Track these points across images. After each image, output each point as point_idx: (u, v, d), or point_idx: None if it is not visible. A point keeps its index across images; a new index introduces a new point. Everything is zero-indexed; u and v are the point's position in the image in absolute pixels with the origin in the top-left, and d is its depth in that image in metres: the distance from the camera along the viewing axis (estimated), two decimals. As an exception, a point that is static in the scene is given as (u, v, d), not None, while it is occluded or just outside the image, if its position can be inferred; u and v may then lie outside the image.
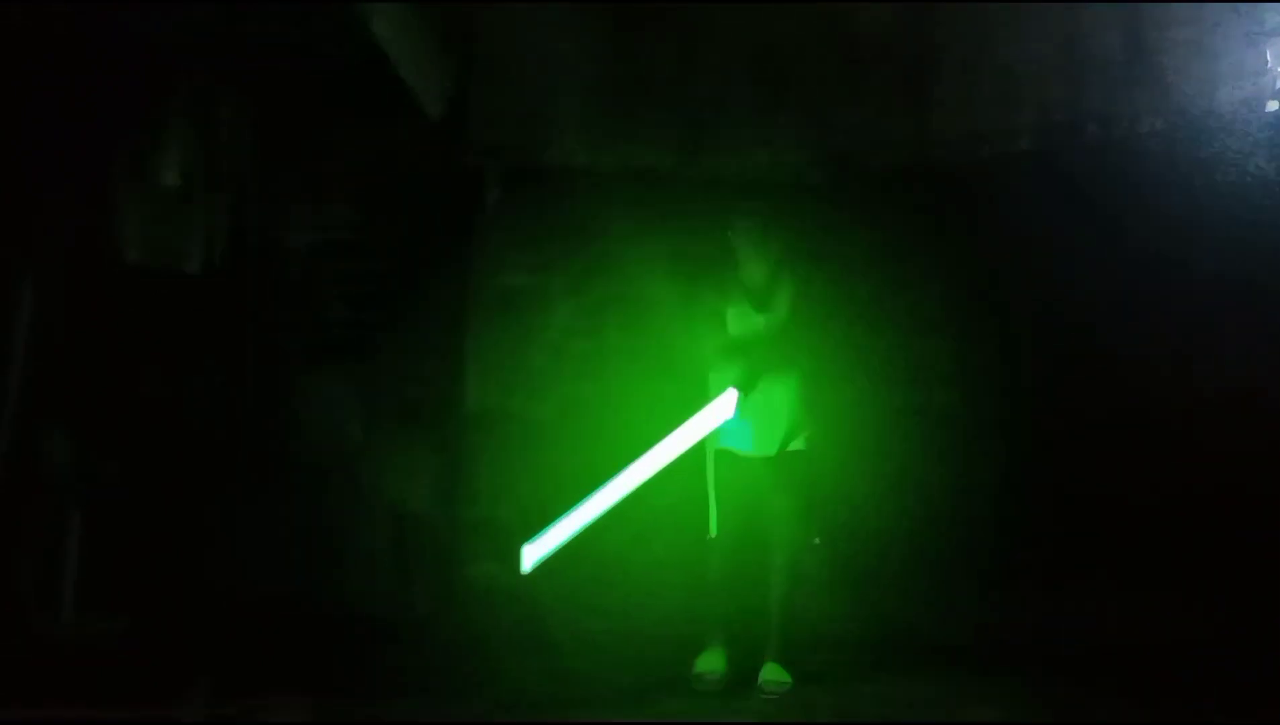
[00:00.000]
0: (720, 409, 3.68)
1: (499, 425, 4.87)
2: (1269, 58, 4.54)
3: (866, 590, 4.50)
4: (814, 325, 3.79)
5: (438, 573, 4.74)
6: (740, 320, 3.78)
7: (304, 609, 4.39)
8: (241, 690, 3.52)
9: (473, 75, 5.06)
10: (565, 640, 4.26)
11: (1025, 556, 4.43)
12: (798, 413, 3.75)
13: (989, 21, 4.85)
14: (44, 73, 3.96)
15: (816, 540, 4.02)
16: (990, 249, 4.67)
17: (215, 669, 3.65)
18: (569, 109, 4.96)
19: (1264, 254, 4.32)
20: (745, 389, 3.65)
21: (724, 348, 3.77)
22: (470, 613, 4.57)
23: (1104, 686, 3.68)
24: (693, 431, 3.66)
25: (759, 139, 4.75)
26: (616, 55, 4.93)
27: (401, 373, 4.94)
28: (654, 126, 4.85)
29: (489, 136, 5.02)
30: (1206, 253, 4.38)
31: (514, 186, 5.02)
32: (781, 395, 3.72)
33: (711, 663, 3.69)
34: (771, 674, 3.66)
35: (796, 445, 3.75)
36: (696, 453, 3.76)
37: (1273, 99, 4.49)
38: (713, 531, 3.79)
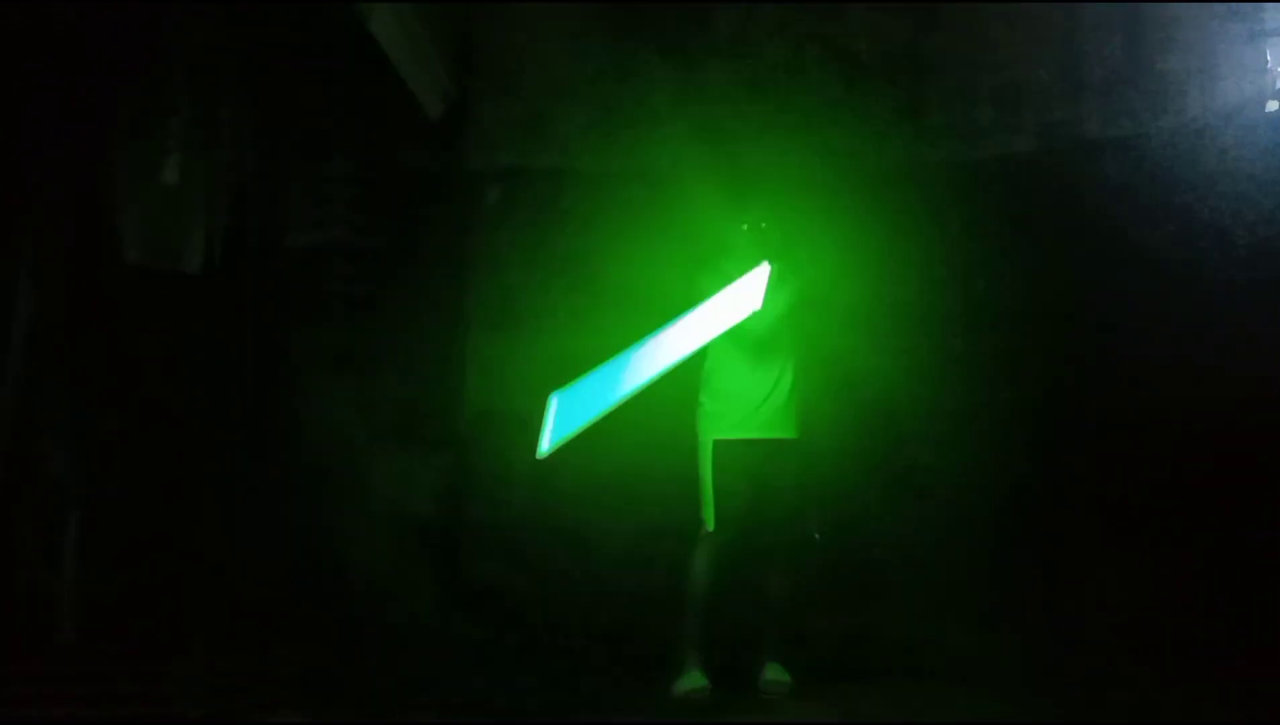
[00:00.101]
0: (749, 290, 3.57)
1: (499, 426, 4.87)
2: (1269, 58, 4.55)
3: (866, 589, 4.50)
4: (814, 315, 3.77)
5: (438, 574, 4.73)
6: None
7: (304, 611, 4.39)
8: (241, 692, 3.52)
9: (472, 76, 5.07)
10: (565, 642, 4.27)
11: (1027, 557, 4.42)
12: (795, 401, 3.74)
13: (989, 22, 4.86)
14: (44, 73, 3.96)
15: (816, 535, 4.02)
16: (991, 249, 4.67)
17: (215, 670, 3.65)
18: (568, 110, 4.97)
19: (1264, 254, 4.33)
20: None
21: (722, 335, 3.69)
22: (471, 613, 4.56)
23: (1104, 687, 3.67)
24: (719, 313, 3.54)
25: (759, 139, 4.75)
26: (616, 56, 4.94)
27: (401, 373, 4.94)
28: (653, 127, 4.85)
29: (488, 137, 5.02)
30: (1206, 252, 4.38)
31: (513, 187, 5.02)
32: (780, 382, 3.71)
33: (694, 681, 3.60)
34: (773, 674, 3.65)
35: (793, 433, 3.73)
36: (692, 448, 3.74)
37: (1273, 99, 4.49)
38: (709, 526, 3.67)
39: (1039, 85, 4.79)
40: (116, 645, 4.00)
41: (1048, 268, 4.64)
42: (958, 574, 4.45)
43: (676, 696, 3.57)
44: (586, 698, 3.66)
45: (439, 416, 4.93)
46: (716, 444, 3.71)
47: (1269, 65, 4.53)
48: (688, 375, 3.83)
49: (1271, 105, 4.49)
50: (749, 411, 3.67)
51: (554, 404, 3.40)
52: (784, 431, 3.71)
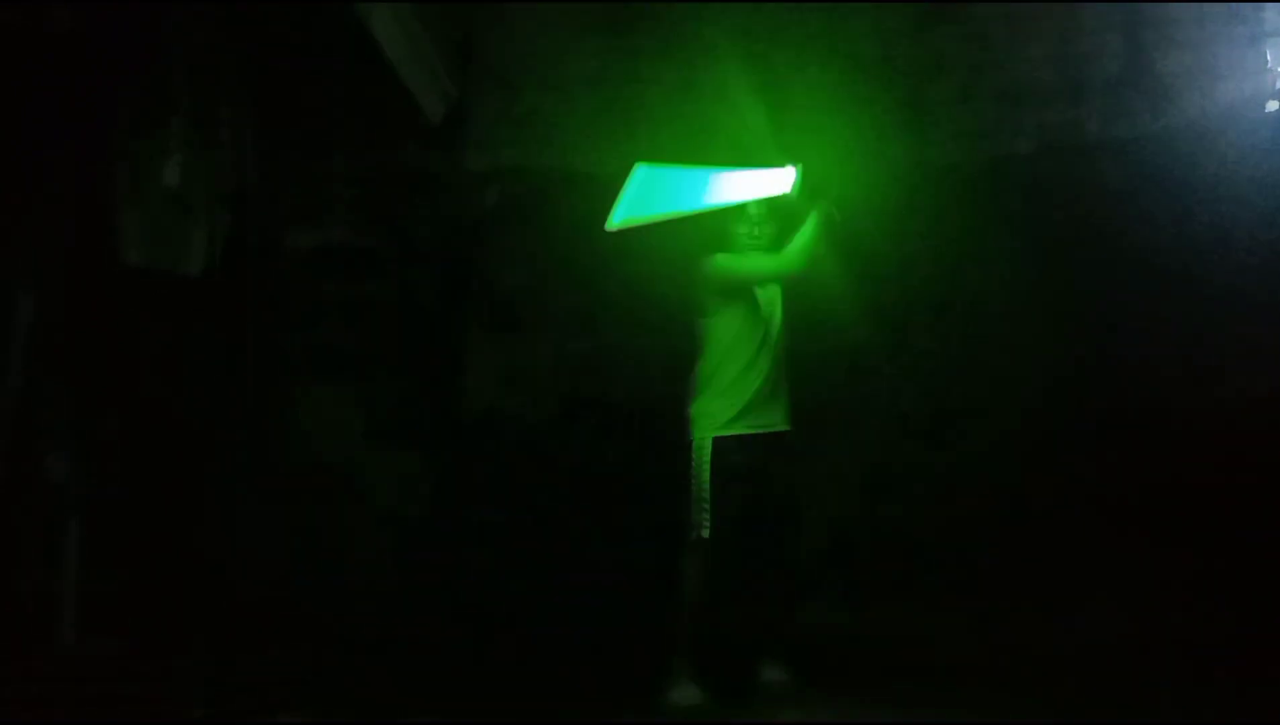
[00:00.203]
0: (778, 179, 3.57)
1: (499, 426, 4.87)
2: (1269, 58, 4.55)
3: (864, 588, 4.50)
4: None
5: (437, 575, 4.73)
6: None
7: (304, 614, 4.39)
8: (241, 692, 3.52)
9: (472, 76, 5.07)
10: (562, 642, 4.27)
11: (1027, 557, 4.42)
12: (786, 388, 3.71)
13: (987, 23, 4.87)
14: (44, 73, 3.95)
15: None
16: (990, 249, 4.67)
17: (215, 670, 3.65)
18: (568, 110, 4.97)
19: (1264, 253, 4.33)
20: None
21: (726, 291, 3.67)
22: (471, 614, 4.56)
23: (1105, 687, 3.67)
24: (747, 185, 3.57)
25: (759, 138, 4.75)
26: (615, 56, 4.94)
27: (401, 374, 4.94)
28: (653, 127, 4.85)
29: (488, 137, 5.02)
30: (1206, 253, 4.39)
31: (513, 187, 5.02)
32: (774, 369, 3.69)
33: (687, 695, 3.50)
34: (772, 673, 3.64)
35: (786, 422, 3.70)
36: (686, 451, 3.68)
37: (1273, 99, 4.50)
38: (704, 532, 3.54)
39: (1039, 86, 4.79)
40: (116, 645, 4.00)
41: (1048, 268, 4.64)
42: (958, 573, 4.45)
43: (669, 706, 3.50)
44: (585, 699, 3.66)
45: (439, 417, 4.92)
46: (715, 443, 3.61)
47: (1269, 66, 4.54)
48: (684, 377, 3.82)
49: (1271, 105, 4.50)
50: (746, 401, 3.63)
51: (637, 175, 3.47)
52: (779, 420, 3.69)
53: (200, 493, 4.54)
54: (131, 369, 4.41)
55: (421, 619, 4.50)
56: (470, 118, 5.08)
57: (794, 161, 3.62)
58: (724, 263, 3.68)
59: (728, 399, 3.62)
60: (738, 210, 3.75)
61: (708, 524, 3.54)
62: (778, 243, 3.71)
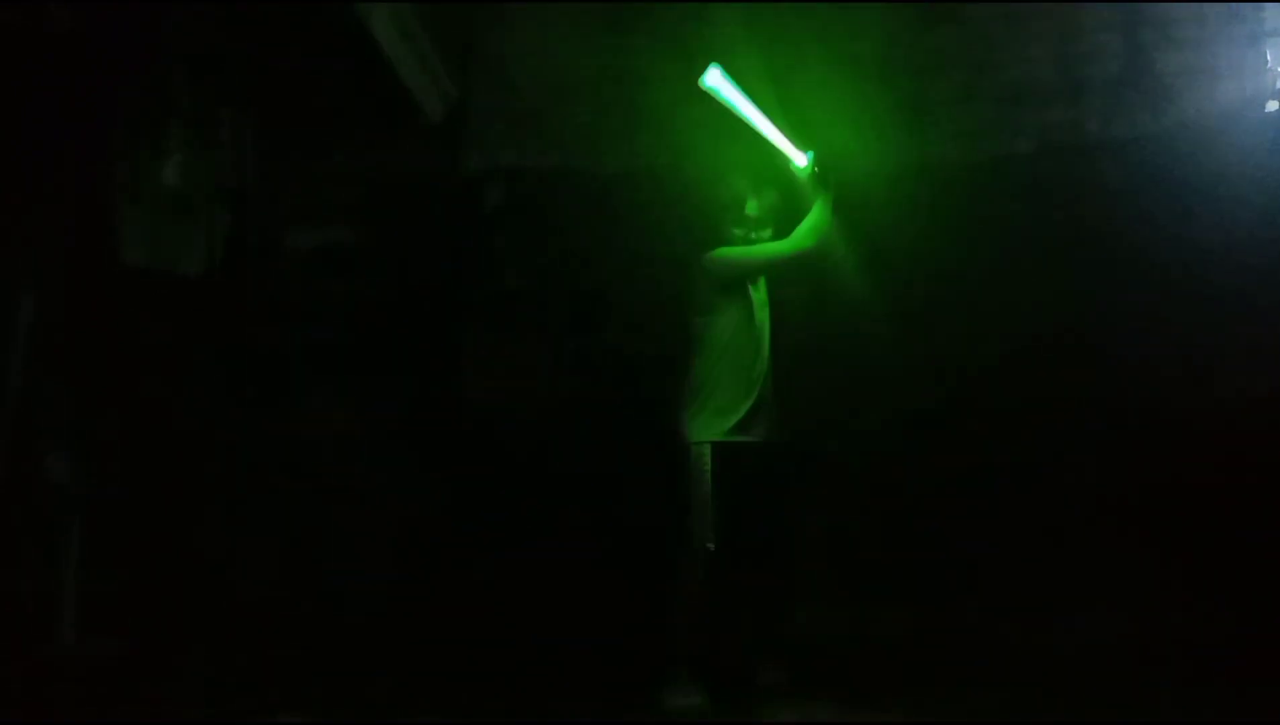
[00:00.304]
0: (797, 155, 3.77)
1: (499, 427, 4.87)
2: (1269, 58, 4.55)
3: (864, 589, 4.50)
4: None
5: (437, 575, 4.73)
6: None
7: (304, 611, 4.39)
8: (241, 692, 3.52)
9: (472, 76, 5.07)
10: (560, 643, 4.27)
11: (1027, 556, 4.42)
12: (776, 400, 3.71)
13: (988, 23, 4.86)
14: (44, 73, 3.96)
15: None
16: (990, 249, 4.67)
17: (215, 670, 3.65)
18: (568, 110, 4.97)
19: (1264, 253, 4.33)
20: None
21: (729, 284, 3.69)
22: (471, 613, 4.56)
23: (1105, 687, 3.67)
24: (777, 138, 3.75)
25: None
26: (615, 56, 4.94)
27: (401, 374, 4.94)
28: (653, 127, 4.85)
29: (488, 138, 5.02)
30: (1206, 253, 4.39)
31: (513, 187, 5.02)
32: (768, 375, 3.68)
33: (686, 696, 3.50)
34: (770, 676, 3.64)
35: (783, 435, 3.69)
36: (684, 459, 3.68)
37: (1273, 99, 4.49)
38: (711, 543, 3.50)
39: (1039, 86, 4.79)
40: (116, 645, 4.00)
41: (1047, 267, 4.63)
42: (958, 574, 4.45)
43: (668, 710, 3.50)
44: (585, 699, 3.66)
45: (438, 417, 4.92)
46: (717, 450, 3.59)
47: (1269, 65, 4.53)
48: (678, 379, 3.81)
49: (1271, 105, 4.49)
50: (747, 407, 3.62)
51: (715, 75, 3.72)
52: (777, 429, 3.68)
53: (200, 493, 4.54)
54: (131, 369, 4.41)
55: (421, 619, 4.50)
56: (470, 118, 5.07)
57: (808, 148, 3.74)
58: (731, 253, 3.68)
59: (727, 405, 3.61)
60: (735, 211, 3.76)
61: (713, 536, 3.50)
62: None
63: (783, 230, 3.77)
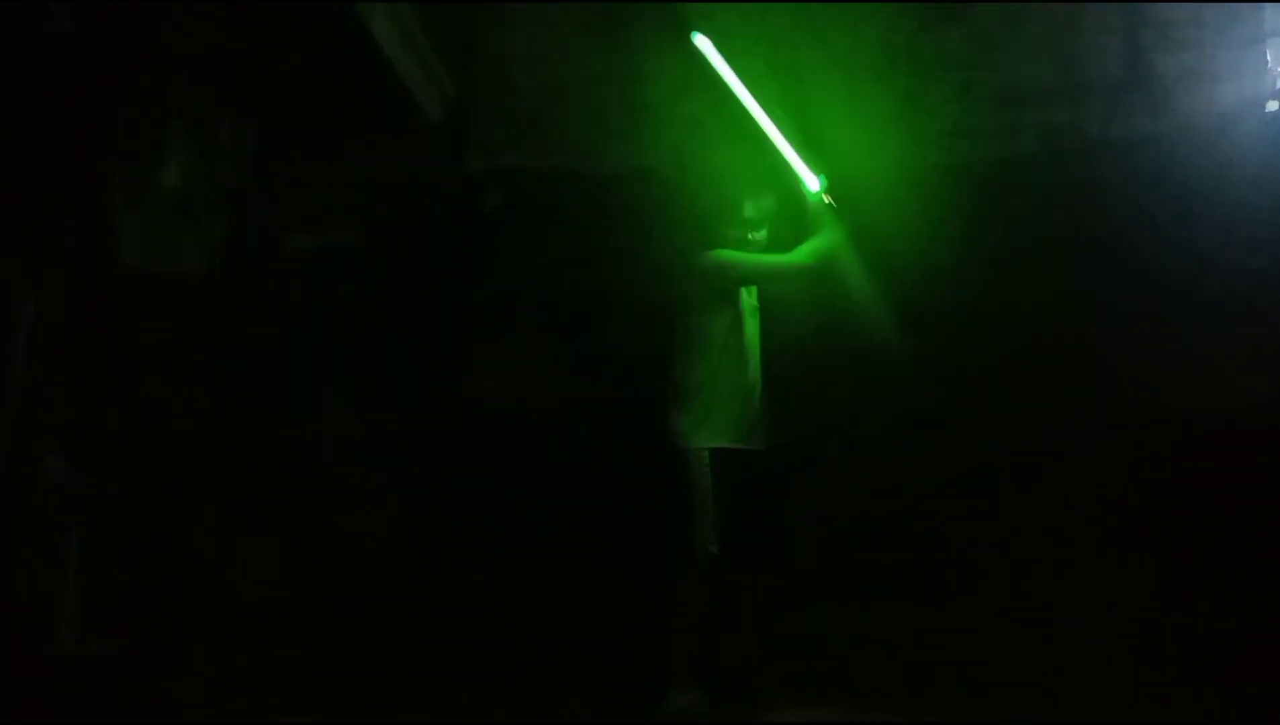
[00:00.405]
0: (808, 174, 3.77)
1: (498, 427, 4.87)
2: (1269, 58, 4.55)
3: (864, 589, 4.49)
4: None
5: (437, 575, 4.73)
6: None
7: (304, 611, 4.39)
8: (241, 692, 3.52)
9: (471, 78, 5.07)
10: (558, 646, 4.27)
11: (1028, 557, 4.42)
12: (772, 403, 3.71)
13: (988, 23, 4.87)
14: (44, 73, 3.96)
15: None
16: (990, 249, 4.67)
17: (215, 670, 3.65)
18: (568, 111, 4.97)
19: (1265, 254, 4.33)
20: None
21: (723, 286, 3.68)
22: (468, 616, 4.56)
23: (1105, 687, 3.67)
24: (789, 151, 3.74)
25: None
26: (615, 56, 4.94)
27: (401, 375, 4.94)
28: (653, 127, 4.85)
29: (488, 139, 5.03)
30: (1206, 253, 4.39)
31: (513, 188, 5.03)
32: (762, 383, 3.67)
33: (688, 698, 3.49)
34: (767, 676, 3.64)
35: (781, 438, 3.69)
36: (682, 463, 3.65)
37: (1273, 99, 4.50)
38: (713, 547, 3.48)
39: (1039, 87, 4.79)
40: (116, 646, 4.00)
41: (1047, 268, 4.64)
42: (958, 573, 4.45)
43: (669, 711, 3.50)
44: (585, 699, 3.66)
45: (438, 418, 4.92)
46: (718, 456, 3.56)
47: (1269, 66, 4.54)
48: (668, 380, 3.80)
49: (1271, 105, 4.50)
50: (745, 413, 3.61)
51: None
52: (771, 434, 3.67)
53: (200, 493, 4.54)
54: (131, 369, 4.41)
55: (421, 619, 4.50)
56: (470, 118, 5.08)
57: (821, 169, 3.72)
58: (726, 256, 3.66)
59: (723, 410, 3.59)
60: (732, 213, 3.75)
61: (716, 542, 3.48)
62: (769, 249, 3.72)
63: (778, 243, 3.76)
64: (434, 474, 4.81)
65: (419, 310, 4.97)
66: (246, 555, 4.52)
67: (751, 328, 3.69)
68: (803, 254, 3.67)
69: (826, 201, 3.75)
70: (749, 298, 3.73)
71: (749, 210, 3.74)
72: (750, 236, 3.73)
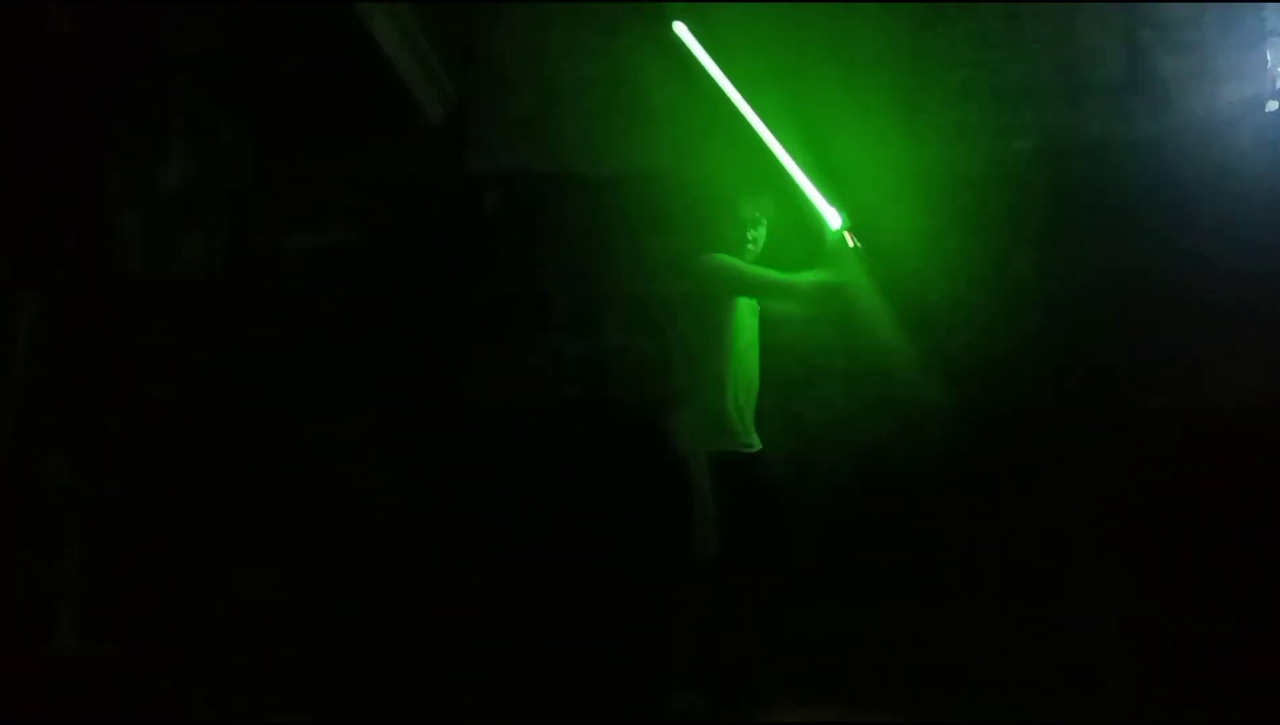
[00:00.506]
0: (829, 211, 3.68)
1: (499, 428, 4.87)
2: (1269, 59, 4.55)
3: (865, 589, 4.49)
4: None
5: (437, 576, 4.73)
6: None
7: (304, 612, 4.39)
8: (241, 692, 3.52)
9: (472, 79, 5.07)
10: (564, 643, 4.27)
11: (1027, 557, 4.42)
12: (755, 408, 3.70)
13: (988, 24, 4.87)
14: (44, 73, 3.96)
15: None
16: (990, 250, 4.67)
17: (215, 670, 3.65)
18: (568, 111, 4.97)
19: (1265, 254, 4.33)
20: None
21: (718, 291, 3.62)
22: (468, 617, 4.56)
23: (1105, 687, 3.67)
24: (808, 185, 3.68)
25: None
26: (614, 56, 4.94)
27: (401, 376, 4.94)
28: (653, 127, 4.85)
29: (488, 140, 5.03)
30: (1206, 252, 4.39)
31: (513, 189, 5.03)
32: (757, 386, 3.67)
33: (687, 697, 3.46)
34: (769, 678, 3.63)
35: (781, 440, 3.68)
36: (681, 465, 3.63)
37: (1273, 99, 4.50)
38: (713, 549, 3.43)
39: (1039, 87, 4.79)
40: (117, 646, 4.00)
41: (1047, 269, 4.64)
42: (958, 573, 4.45)
43: (669, 711, 3.47)
44: (585, 699, 3.66)
45: (438, 418, 4.92)
46: (717, 459, 3.52)
47: (1270, 66, 4.54)
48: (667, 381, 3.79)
49: (1272, 105, 4.50)
50: (744, 415, 3.61)
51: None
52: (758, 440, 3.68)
53: (200, 493, 4.54)
54: (131, 370, 4.41)
55: (421, 619, 4.50)
56: (470, 119, 5.08)
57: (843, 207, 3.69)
58: (727, 264, 3.63)
59: (722, 412, 3.55)
60: (731, 215, 3.73)
61: (715, 543, 3.46)
62: (766, 254, 3.71)
63: (777, 246, 3.75)
64: (434, 474, 4.81)
65: (419, 310, 4.97)
66: (246, 556, 4.51)
67: (751, 329, 3.67)
68: (808, 282, 3.60)
69: (849, 241, 3.67)
70: (749, 299, 3.71)
71: (747, 210, 3.72)
72: (750, 236, 3.71)
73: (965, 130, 4.83)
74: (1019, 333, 4.65)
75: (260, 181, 5.01)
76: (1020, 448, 4.55)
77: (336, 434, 4.85)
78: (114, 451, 4.28)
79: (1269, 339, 4.35)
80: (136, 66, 4.19)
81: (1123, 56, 4.75)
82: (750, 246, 3.69)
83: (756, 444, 3.62)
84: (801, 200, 3.71)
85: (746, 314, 3.66)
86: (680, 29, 3.73)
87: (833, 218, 3.69)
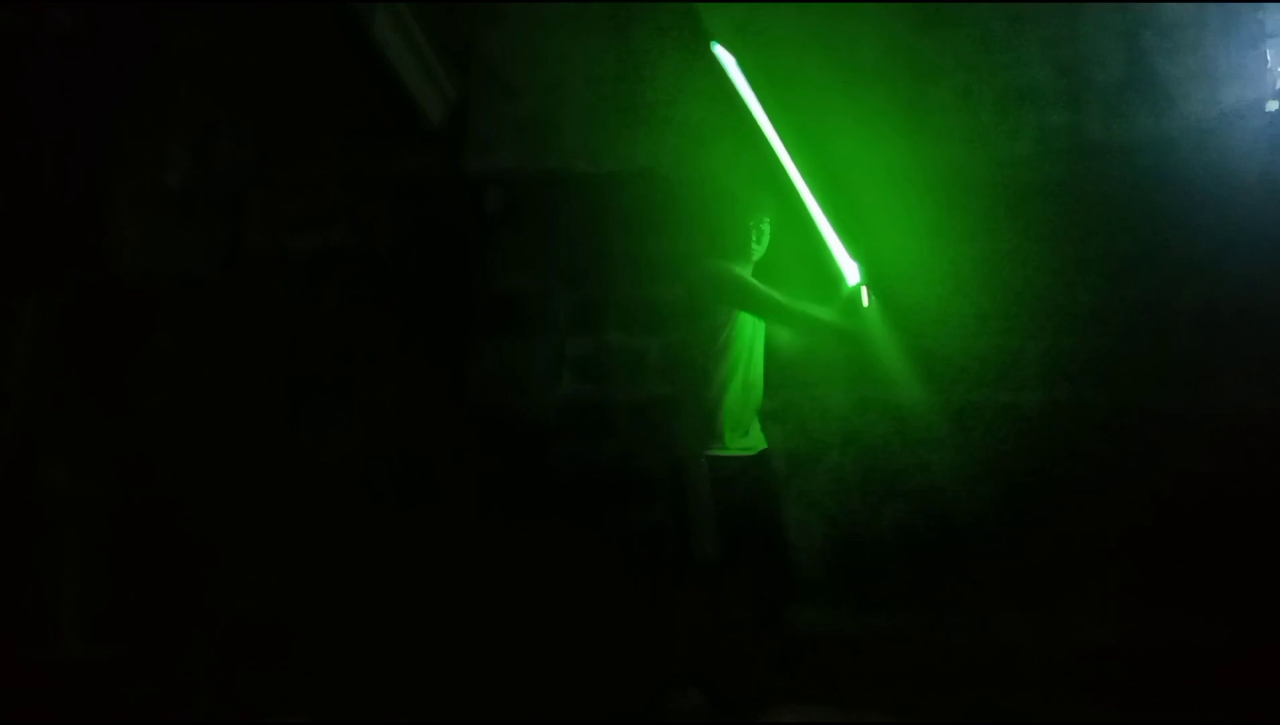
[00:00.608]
0: (847, 262, 3.60)
1: (499, 429, 4.87)
2: (1269, 59, 4.56)
3: (865, 590, 4.50)
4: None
5: (436, 576, 4.73)
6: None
7: (304, 612, 4.39)
8: (242, 692, 3.52)
9: (472, 79, 5.07)
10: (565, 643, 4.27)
11: (1027, 557, 4.42)
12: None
13: (989, 25, 4.86)
14: (45, 76, 3.97)
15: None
16: (991, 251, 4.67)
17: (215, 671, 3.65)
18: (568, 112, 4.97)
19: (1266, 255, 4.33)
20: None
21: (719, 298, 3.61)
22: (471, 614, 4.56)
23: (1105, 687, 3.67)
24: (828, 230, 3.60)
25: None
26: (615, 57, 4.94)
27: (401, 377, 4.94)
28: (653, 127, 4.85)
29: (488, 140, 5.03)
30: (1207, 253, 4.39)
31: (514, 190, 5.03)
32: (761, 388, 3.67)
33: (688, 698, 3.46)
34: (770, 680, 3.63)
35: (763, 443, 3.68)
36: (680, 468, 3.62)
37: (1273, 100, 4.50)
38: (715, 550, 3.42)
39: (1040, 88, 4.79)
40: (117, 647, 4.00)
41: (1048, 270, 4.64)
42: (958, 573, 4.45)
43: (669, 711, 3.48)
44: (585, 699, 3.66)
45: (439, 419, 4.92)
46: (717, 461, 3.49)
47: (1270, 67, 4.54)
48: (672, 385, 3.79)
49: (1272, 106, 4.50)
50: (747, 416, 3.60)
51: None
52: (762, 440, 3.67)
53: (201, 495, 4.54)
54: (132, 372, 4.42)
55: (420, 620, 4.50)
56: (470, 120, 5.08)
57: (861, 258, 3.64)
58: (738, 276, 3.60)
59: (725, 415, 3.53)
60: (735, 216, 3.73)
61: (716, 545, 3.44)
62: (766, 258, 3.72)
63: (774, 270, 3.74)
64: (434, 474, 4.81)
65: (419, 310, 4.97)
66: (246, 556, 4.51)
67: (753, 331, 3.67)
68: (815, 317, 3.56)
69: (863, 295, 3.61)
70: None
71: (749, 212, 3.71)
72: (754, 238, 3.71)
73: (965, 132, 4.82)
74: (1017, 333, 4.65)
75: (260, 182, 5.01)
76: (1021, 448, 4.56)
77: (336, 434, 4.85)
78: (114, 452, 4.28)
79: (1270, 339, 4.35)
80: (136, 67, 4.19)
81: (1123, 58, 4.74)
82: (755, 246, 3.69)
83: (758, 446, 3.61)
84: (820, 244, 3.65)
85: (750, 317, 3.65)
86: (720, 51, 3.62)
87: (851, 272, 3.62)
